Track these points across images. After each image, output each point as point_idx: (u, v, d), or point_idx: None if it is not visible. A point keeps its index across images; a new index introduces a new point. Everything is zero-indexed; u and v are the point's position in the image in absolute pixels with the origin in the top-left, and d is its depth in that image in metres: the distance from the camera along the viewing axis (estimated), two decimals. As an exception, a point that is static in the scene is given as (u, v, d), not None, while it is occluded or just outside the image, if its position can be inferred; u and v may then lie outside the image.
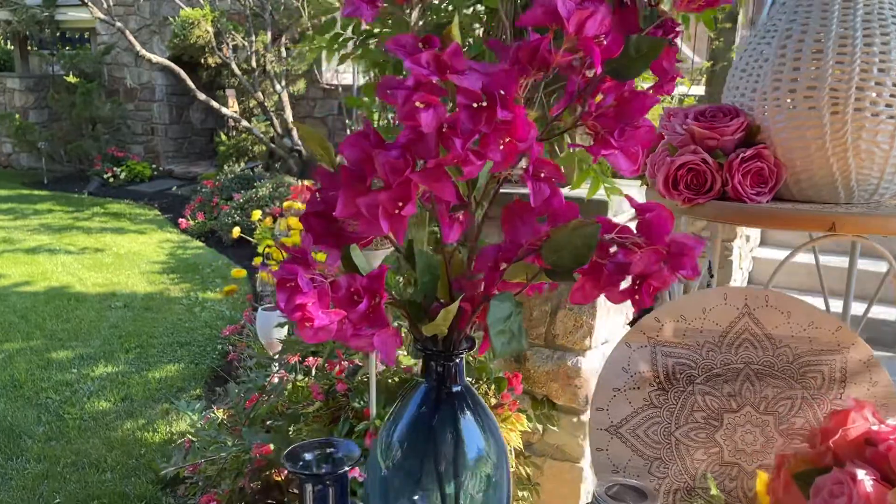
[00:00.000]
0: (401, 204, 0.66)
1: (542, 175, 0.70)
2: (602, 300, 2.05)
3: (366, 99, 2.03)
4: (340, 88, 7.46)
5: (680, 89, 4.13)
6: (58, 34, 9.05)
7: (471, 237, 0.77)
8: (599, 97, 0.72)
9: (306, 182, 6.12)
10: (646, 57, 0.69)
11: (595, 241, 0.67)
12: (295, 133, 7.17)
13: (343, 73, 7.91)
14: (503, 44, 0.70)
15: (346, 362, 2.12)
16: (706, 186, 0.93)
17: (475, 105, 0.63)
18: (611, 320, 2.18)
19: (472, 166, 0.65)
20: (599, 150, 0.69)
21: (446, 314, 0.72)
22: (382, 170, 0.66)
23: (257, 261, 3.43)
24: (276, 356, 2.82)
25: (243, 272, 3.39)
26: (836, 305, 1.23)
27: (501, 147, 0.64)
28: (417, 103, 0.62)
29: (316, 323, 0.67)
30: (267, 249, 3.51)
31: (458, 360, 0.78)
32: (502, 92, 0.63)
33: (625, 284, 0.70)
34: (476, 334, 0.81)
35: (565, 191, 1.98)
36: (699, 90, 4.31)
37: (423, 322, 0.78)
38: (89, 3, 6.84)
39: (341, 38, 1.93)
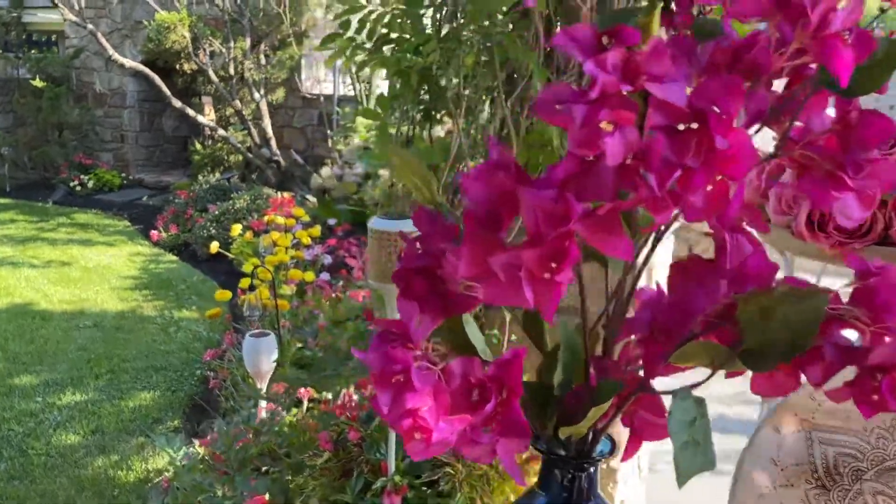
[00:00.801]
0: (554, 265, 0.47)
1: (743, 224, 0.51)
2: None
3: (381, 111, 1.83)
4: (322, 98, 7.24)
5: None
6: (24, 37, 8.69)
7: (619, 305, 0.58)
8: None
9: (285, 194, 5.87)
10: (887, 64, 0.50)
11: (821, 317, 0.48)
12: (273, 143, 6.93)
13: (324, 83, 7.69)
14: (683, 40, 0.51)
15: (355, 398, 1.90)
16: (863, 228, 0.75)
17: (678, 127, 0.44)
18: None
19: (666, 212, 0.46)
20: (820, 193, 0.50)
21: (597, 412, 0.53)
22: (531, 216, 0.46)
23: (244, 283, 3.19)
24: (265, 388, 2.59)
25: (228, 294, 3.16)
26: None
27: (710, 188, 0.45)
28: (603, 123, 0.42)
29: (434, 436, 0.47)
30: (256, 270, 3.27)
31: (592, 469, 0.59)
32: (718, 109, 0.44)
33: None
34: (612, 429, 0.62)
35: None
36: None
37: (549, 414, 0.58)
38: (59, 4, 6.55)
39: (354, 44, 1.73)
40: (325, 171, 4.92)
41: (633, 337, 0.57)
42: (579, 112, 0.42)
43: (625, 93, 0.43)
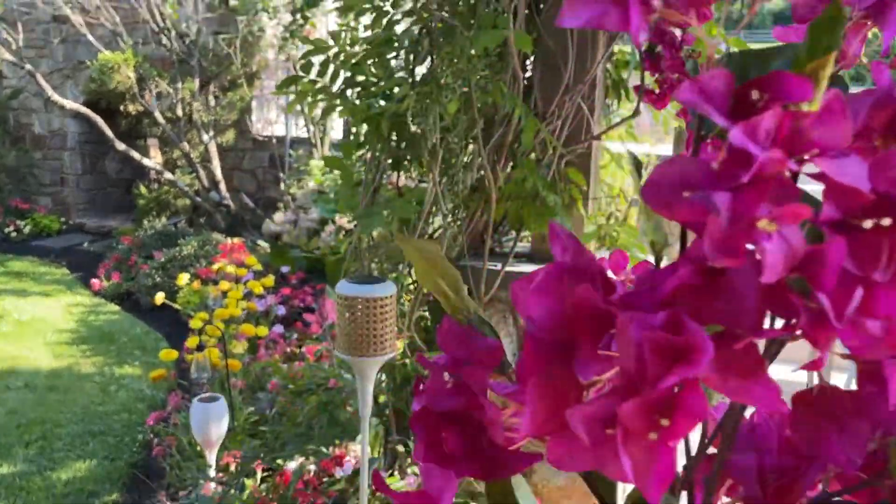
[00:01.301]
0: (664, 421, 0.32)
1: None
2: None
3: (344, 160, 1.68)
4: (273, 139, 7.06)
5: (636, 148, 3.94)
6: (-42, 76, 8.33)
7: (723, 447, 0.43)
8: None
9: (235, 240, 5.64)
10: None
11: None
12: (223, 186, 6.71)
13: (275, 124, 7.52)
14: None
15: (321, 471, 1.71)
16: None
17: (861, 224, 0.30)
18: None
19: (829, 343, 0.31)
20: None
21: None
22: (631, 350, 0.31)
23: (192, 342, 2.97)
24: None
25: (174, 354, 2.92)
26: None
27: None
28: (763, 222, 0.28)
29: None
30: (205, 326, 3.04)
31: None
32: (915, 196, 0.30)
33: None
34: None
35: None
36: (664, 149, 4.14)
37: None
38: (-5, 43, 6.27)
39: (316, 87, 1.58)
40: (279, 215, 4.73)
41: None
42: (725, 203, 0.27)
43: (787, 174, 0.28)
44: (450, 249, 1.55)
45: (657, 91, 1.68)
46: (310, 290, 4.31)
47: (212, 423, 2.34)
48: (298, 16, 4.87)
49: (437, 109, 1.29)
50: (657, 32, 1.67)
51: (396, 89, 1.45)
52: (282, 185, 6.57)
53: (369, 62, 1.49)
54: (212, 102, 7.00)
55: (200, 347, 2.50)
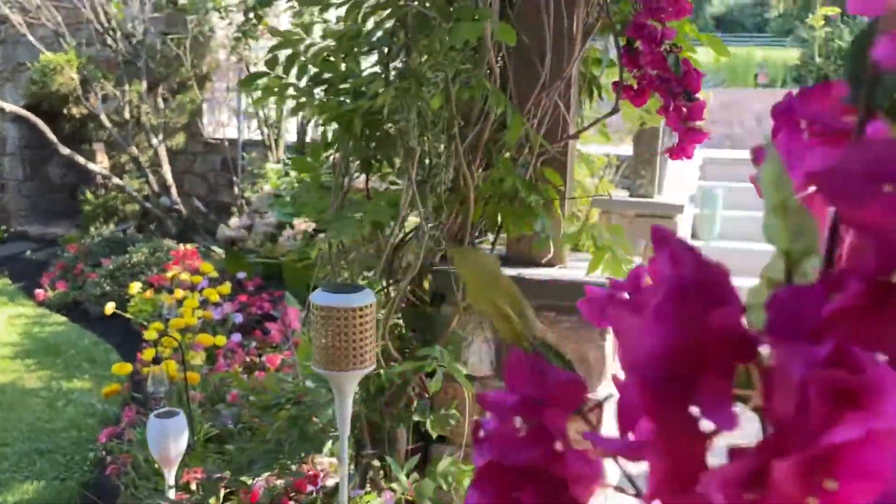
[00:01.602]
0: (830, 484, 0.25)
1: None
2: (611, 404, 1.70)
3: (311, 161, 1.59)
4: (226, 142, 6.88)
5: (594, 149, 3.91)
6: None
7: None
8: None
9: (187, 246, 5.46)
10: None
11: None
12: (174, 190, 6.50)
13: (227, 127, 7.33)
14: None
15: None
16: None
17: None
18: None
19: None
20: None
21: None
22: (792, 394, 0.25)
23: (148, 354, 2.82)
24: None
25: (127, 367, 2.78)
26: None
27: None
28: None
29: None
30: (161, 337, 2.90)
31: None
32: None
33: None
34: None
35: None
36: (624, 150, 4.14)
37: None
38: (-72, 43, 5.96)
39: (282, 83, 1.49)
40: (234, 220, 4.59)
41: None
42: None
43: None
44: (431, 254, 1.48)
45: (635, 87, 1.64)
46: (267, 296, 4.18)
47: (170, 439, 2.21)
48: (251, 15, 4.74)
49: (418, 105, 1.21)
50: (636, 27, 1.61)
51: (365, 86, 1.37)
52: (235, 189, 6.40)
53: (339, 57, 1.40)
54: (161, 105, 6.79)
55: (157, 360, 2.37)
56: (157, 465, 2.41)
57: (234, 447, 1.78)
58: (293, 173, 5.20)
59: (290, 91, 1.39)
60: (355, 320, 1.13)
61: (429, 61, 1.19)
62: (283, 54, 1.48)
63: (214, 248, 5.35)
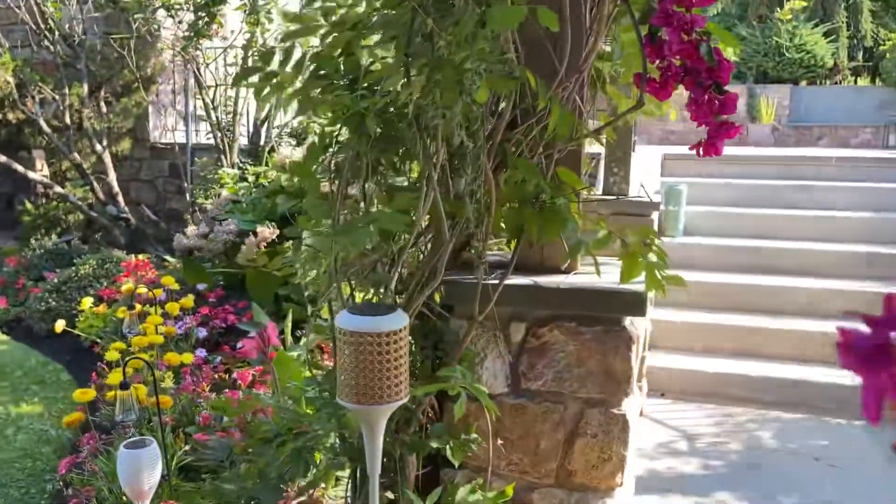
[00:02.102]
0: None
1: None
2: (635, 417, 1.59)
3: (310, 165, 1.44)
4: (175, 147, 6.59)
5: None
6: None
7: None
8: None
9: (139, 256, 5.18)
10: None
11: None
12: (121, 198, 6.19)
13: (176, 131, 7.03)
14: None
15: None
16: None
17: None
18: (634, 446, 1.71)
19: None
20: None
21: None
22: None
23: (114, 378, 2.58)
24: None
25: (90, 394, 2.55)
26: None
27: None
28: None
29: None
30: (124, 357, 2.67)
31: None
32: None
33: None
34: None
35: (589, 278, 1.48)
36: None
37: None
38: None
39: (276, 81, 1.33)
40: (191, 229, 4.35)
41: None
42: None
43: None
44: (442, 264, 1.35)
45: (659, 80, 1.54)
46: (231, 308, 3.97)
47: (143, 471, 2.03)
48: (203, 13, 4.51)
49: (461, 99, 1.07)
50: (663, 14, 1.51)
51: (381, 81, 1.23)
52: (187, 196, 6.12)
53: (344, 49, 1.26)
54: (104, 109, 6.46)
55: (125, 385, 2.17)
56: (125, 498, 2.22)
57: (232, 485, 1.61)
58: (251, 178, 4.98)
59: (293, 88, 1.23)
60: (388, 346, 0.98)
61: (462, 50, 1.05)
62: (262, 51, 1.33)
63: (168, 257, 5.09)
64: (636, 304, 1.47)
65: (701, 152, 1.43)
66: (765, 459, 3.19)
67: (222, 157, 5.68)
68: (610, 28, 1.64)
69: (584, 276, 1.64)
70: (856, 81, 13.73)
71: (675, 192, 5.19)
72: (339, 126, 1.29)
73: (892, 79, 10.54)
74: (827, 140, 9.69)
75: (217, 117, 5.55)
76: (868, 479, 2.98)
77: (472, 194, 1.30)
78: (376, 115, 1.19)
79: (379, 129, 1.26)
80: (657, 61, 1.47)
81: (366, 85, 1.22)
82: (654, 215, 3.78)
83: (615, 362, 1.52)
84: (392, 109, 1.19)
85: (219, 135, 5.56)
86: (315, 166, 1.45)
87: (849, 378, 3.83)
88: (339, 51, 1.16)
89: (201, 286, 4.13)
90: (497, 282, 1.46)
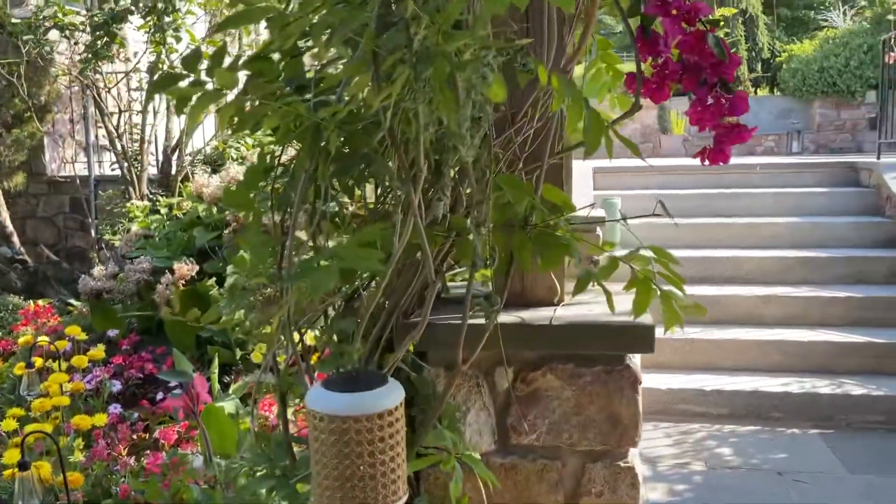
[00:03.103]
0: None
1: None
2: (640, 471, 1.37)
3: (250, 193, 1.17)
4: (76, 180, 6.08)
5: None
6: None
7: None
8: None
9: (39, 302, 4.68)
10: None
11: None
12: (16, 238, 5.64)
13: (76, 162, 6.50)
14: None
15: None
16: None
17: None
18: None
19: None
20: None
21: None
22: None
23: (11, 456, 2.17)
24: None
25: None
26: None
27: None
28: None
29: None
30: (22, 426, 2.27)
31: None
32: None
33: None
34: None
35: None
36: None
37: None
38: None
39: (204, 91, 1.06)
40: (98, 269, 3.93)
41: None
42: None
43: None
44: (427, 308, 1.10)
45: (655, 79, 1.35)
46: (148, 355, 3.57)
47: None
48: (102, 32, 4.12)
49: (474, 99, 0.83)
50: (659, 2, 1.32)
51: (341, 83, 0.98)
52: (92, 232, 5.63)
53: (288, 50, 1.00)
54: (-8, 141, 5.90)
55: (24, 465, 1.80)
56: None
57: None
58: (163, 210, 4.58)
59: (230, 96, 0.97)
60: (384, 431, 0.72)
61: (449, 42, 0.81)
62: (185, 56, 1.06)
63: (73, 301, 4.62)
64: (646, 340, 1.26)
65: (707, 160, 1.24)
66: (729, 480, 3.07)
67: (130, 188, 5.23)
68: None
69: (574, 307, 1.42)
70: (756, 92, 14.27)
71: (610, 205, 5.11)
72: (283, 145, 1.03)
73: (789, 88, 10.98)
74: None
75: (122, 146, 5.12)
76: (834, 491, 2.90)
77: (434, 220, 1.06)
78: (338, 128, 0.94)
79: (341, 144, 1.01)
80: (650, 58, 1.27)
81: (318, 91, 0.97)
82: (599, 230, 3.65)
83: (620, 406, 1.31)
84: (360, 120, 0.94)
85: (125, 165, 5.12)
86: (254, 193, 1.18)
87: (797, 386, 3.79)
88: (291, 44, 0.91)
89: (112, 332, 3.72)
90: (483, 321, 1.22)
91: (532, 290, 1.42)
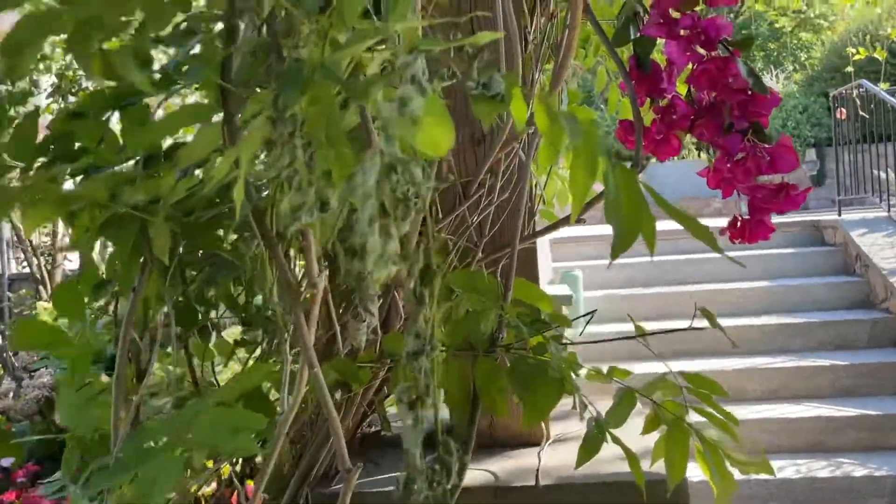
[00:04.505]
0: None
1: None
2: None
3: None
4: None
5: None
6: None
7: None
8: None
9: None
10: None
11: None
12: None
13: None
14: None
15: None
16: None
17: None
18: None
19: None
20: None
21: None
22: None
23: None
24: None
25: None
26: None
27: None
28: None
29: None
30: None
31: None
32: None
33: None
34: None
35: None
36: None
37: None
38: None
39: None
40: (-5, 386, 3.39)
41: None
42: None
43: None
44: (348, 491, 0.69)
45: (659, 128, 0.99)
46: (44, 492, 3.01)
47: None
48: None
49: (388, 150, 0.44)
50: (662, 21, 0.90)
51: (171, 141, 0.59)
52: (0, 340, 5.02)
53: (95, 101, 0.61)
54: None
55: None
56: None
57: None
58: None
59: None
60: None
61: (346, 48, 0.44)
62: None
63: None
64: (681, 496, 0.86)
65: (744, 238, 0.88)
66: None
67: (41, 287, 4.70)
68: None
69: (564, 446, 1.01)
70: (699, 155, 14.42)
71: (570, 278, 4.78)
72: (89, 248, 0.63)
73: (732, 150, 11.07)
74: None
75: (30, 240, 4.61)
76: None
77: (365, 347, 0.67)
78: (172, 218, 0.54)
79: (190, 241, 0.61)
80: (647, 98, 0.92)
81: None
82: (565, 309, 3.28)
83: None
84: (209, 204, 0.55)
85: (34, 262, 4.60)
86: (82, 323, 0.77)
87: (793, 470, 3.43)
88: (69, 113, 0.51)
89: (6, 462, 3.15)
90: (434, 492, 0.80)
91: (504, 426, 1.02)
